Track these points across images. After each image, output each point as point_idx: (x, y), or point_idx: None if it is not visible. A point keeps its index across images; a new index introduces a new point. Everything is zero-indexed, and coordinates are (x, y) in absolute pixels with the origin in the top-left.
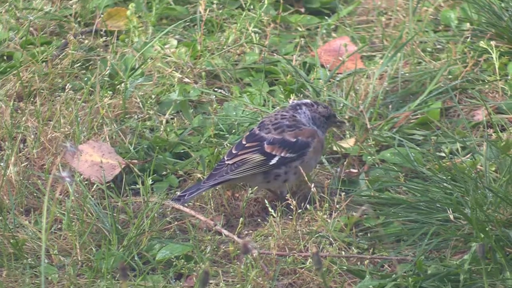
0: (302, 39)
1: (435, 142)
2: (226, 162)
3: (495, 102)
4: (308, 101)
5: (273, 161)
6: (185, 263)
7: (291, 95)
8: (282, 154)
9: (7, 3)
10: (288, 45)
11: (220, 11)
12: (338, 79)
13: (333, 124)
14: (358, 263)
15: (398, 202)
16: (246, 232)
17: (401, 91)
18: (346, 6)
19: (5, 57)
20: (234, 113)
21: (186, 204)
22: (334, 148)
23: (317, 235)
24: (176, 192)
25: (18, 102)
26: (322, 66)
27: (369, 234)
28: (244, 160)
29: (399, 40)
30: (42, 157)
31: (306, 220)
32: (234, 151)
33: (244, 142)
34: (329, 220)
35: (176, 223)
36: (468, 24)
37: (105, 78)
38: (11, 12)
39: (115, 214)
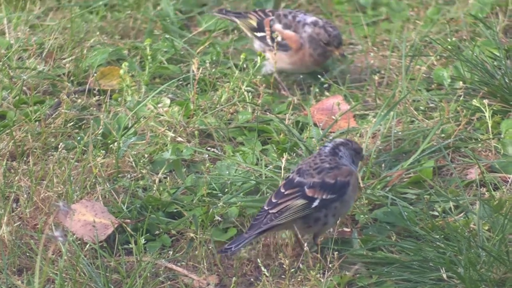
0: (294, 98)
1: (428, 201)
2: (269, 211)
3: (488, 160)
4: (342, 140)
5: (315, 204)
6: None
7: (284, 154)
8: (323, 197)
9: (0, 62)
10: (281, 104)
11: (213, 70)
12: (331, 137)
13: (361, 159)
14: None
15: (391, 261)
16: None
17: (394, 150)
18: (339, 65)
19: None
20: (227, 172)
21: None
22: None
23: None
24: (169, 253)
25: (11, 162)
26: (315, 124)
27: None
28: (287, 206)
29: (392, 99)
30: (35, 216)
31: (299, 279)
32: (274, 200)
33: (283, 190)
34: (322, 280)
35: (169, 282)
36: (461, 83)
37: (98, 137)
38: (4, 71)
39: (108, 274)
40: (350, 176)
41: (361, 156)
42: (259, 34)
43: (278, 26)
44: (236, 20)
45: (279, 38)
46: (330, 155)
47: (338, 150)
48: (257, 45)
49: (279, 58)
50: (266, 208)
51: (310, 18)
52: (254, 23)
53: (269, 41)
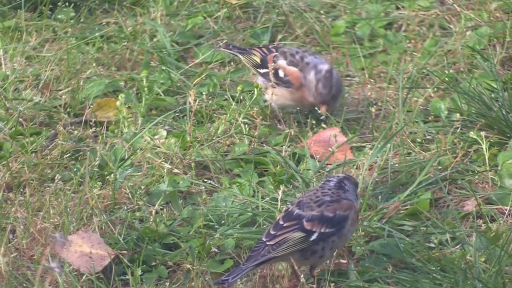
0: (291, 130)
1: (425, 232)
2: (266, 243)
3: (485, 192)
4: (344, 174)
5: (313, 237)
6: None
7: (281, 186)
8: (322, 230)
9: None
10: (278, 136)
11: (210, 102)
12: (327, 169)
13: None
14: None
15: None
16: None
17: (390, 182)
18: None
19: None
20: (224, 204)
21: None
22: None
23: None
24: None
25: (7, 193)
26: (312, 156)
27: None
28: (285, 239)
29: (389, 131)
30: (31, 247)
31: None
32: (272, 232)
33: (281, 222)
34: None
35: None
36: (458, 115)
37: (94, 169)
38: (0, 102)
39: None
40: (349, 210)
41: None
42: (262, 71)
43: (282, 62)
44: (240, 56)
45: (281, 74)
46: (334, 188)
47: (343, 184)
48: (260, 81)
49: (281, 94)
50: (264, 239)
51: (318, 62)
52: (258, 59)
53: (271, 77)
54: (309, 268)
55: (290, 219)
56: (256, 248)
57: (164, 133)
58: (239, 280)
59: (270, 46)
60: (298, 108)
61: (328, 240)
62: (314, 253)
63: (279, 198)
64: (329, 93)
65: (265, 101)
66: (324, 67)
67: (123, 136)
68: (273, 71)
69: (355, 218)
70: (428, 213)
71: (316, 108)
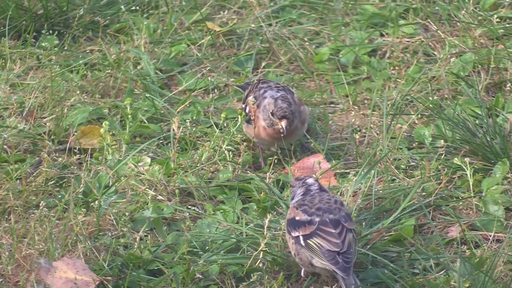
0: (275, 156)
1: (409, 258)
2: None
3: (469, 219)
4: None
5: None
6: None
7: (268, 214)
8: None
9: None
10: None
11: (194, 129)
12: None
13: None
14: None
15: None
16: None
17: (374, 208)
18: (320, 124)
19: None
20: (208, 230)
21: None
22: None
23: None
24: None
25: None
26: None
27: None
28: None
29: (373, 158)
30: (16, 273)
31: None
32: None
33: None
34: None
35: None
36: (442, 141)
37: (79, 196)
38: None
39: None
40: None
41: None
42: (243, 105)
43: (250, 98)
44: (242, 91)
45: (247, 109)
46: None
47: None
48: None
49: (247, 130)
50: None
51: (273, 92)
52: (244, 94)
53: (245, 112)
54: None
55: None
56: None
57: (148, 160)
58: None
59: (261, 80)
60: (265, 147)
61: None
62: None
63: (265, 226)
64: (289, 106)
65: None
66: (283, 92)
67: (107, 163)
68: (244, 106)
69: None
70: (412, 239)
71: (273, 144)
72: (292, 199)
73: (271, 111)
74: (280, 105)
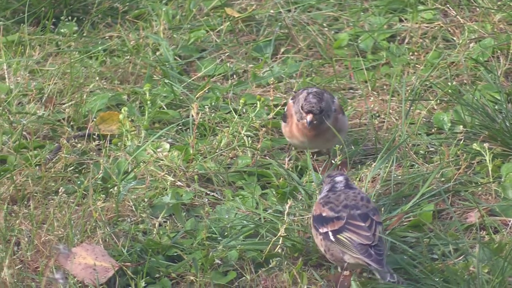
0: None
1: (428, 244)
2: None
3: (488, 204)
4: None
5: None
6: None
7: (288, 200)
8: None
9: (0, 107)
10: (281, 150)
11: (212, 115)
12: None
13: None
14: None
15: None
16: None
17: (393, 194)
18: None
19: None
20: (227, 216)
21: None
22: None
23: None
24: None
25: (12, 205)
26: (315, 169)
27: None
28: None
29: (391, 143)
30: (36, 259)
31: None
32: None
33: None
34: None
35: None
36: (461, 127)
37: (98, 182)
38: (4, 116)
39: None
40: None
41: None
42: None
43: (290, 99)
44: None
45: (285, 109)
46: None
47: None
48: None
49: (283, 129)
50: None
51: (310, 89)
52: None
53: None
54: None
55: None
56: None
57: (167, 146)
58: None
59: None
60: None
61: None
62: None
63: (286, 212)
64: (318, 103)
65: None
66: (317, 89)
67: (126, 149)
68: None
69: None
70: (431, 225)
71: (306, 142)
72: (320, 194)
73: (301, 104)
74: (310, 99)
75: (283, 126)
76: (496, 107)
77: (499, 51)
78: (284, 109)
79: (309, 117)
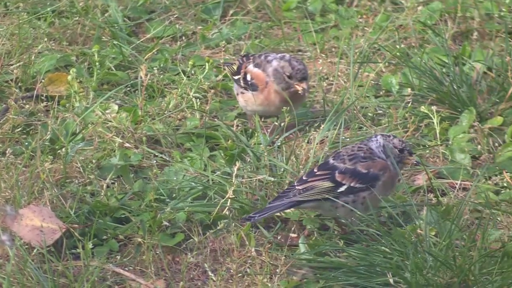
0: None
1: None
2: (296, 187)
3: (435, 167)
4: (383, 133)
5: (341, 189)
6: None
7: (236, 161)
8: (352, 184)
9: None
10: (229, 112)
11: (161, 77)
12: (278, 144)
13: (405, 160)
14: None
15: (338, 266)
16: None
17: None
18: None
19: None
20: (175, 178)
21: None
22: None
23: None
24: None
25: None
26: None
27: None
28: (313, 186)
29: (340, 105)
30: None
31: (246, 284)
32: (304, 178)
33: (315, 170)
34: (269, 284)
35: (116, 287)
36: (409, 90)
37: (45, 143)
38: None
39: (55, 278)
40: (383, 171)
41: (408, 159)
42: (236, 77)
43: (250, 66)
44: (226, 67)
45: (248, 77)
46: (368, 145)
47: (374, 137)
48: (234, 87)
49: (249, 99)
50: (295, 184)
51: (278, 54)
52: (235, 67)
53: (241, 82)
54: (336, 219)
55: (324, 168)
56: (286, 190)
57: (116, 107)
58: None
59: (249, 55)
60: (268, 116)
61: (358, 194)
62: (344, 205)
63: (234, 174)
64: (306, 68)
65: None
66: (286, 54)
67: (75, 110)
68: (242, 76)
69: (388, 182)
70: None
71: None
72: None
73: (288, 73)
74: (298, 67)
75: (244, 96)
76: (444, 70)
77: (446, 15)
78: (235, 79)
79: (305, 84)
